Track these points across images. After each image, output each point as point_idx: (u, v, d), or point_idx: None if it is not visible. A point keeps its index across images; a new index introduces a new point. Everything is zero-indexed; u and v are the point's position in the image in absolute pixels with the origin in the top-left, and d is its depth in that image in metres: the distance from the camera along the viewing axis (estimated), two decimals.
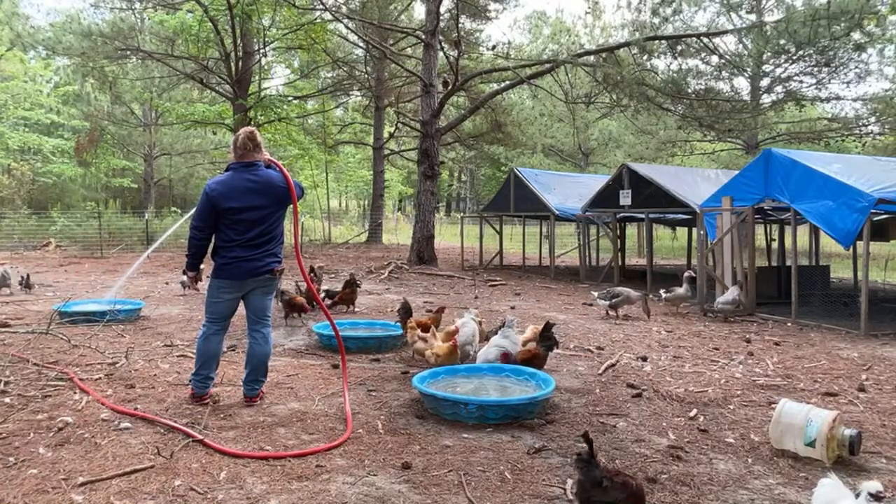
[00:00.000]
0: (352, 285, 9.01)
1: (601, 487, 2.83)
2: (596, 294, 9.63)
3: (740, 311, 9.11)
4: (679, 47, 14.68)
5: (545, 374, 4.95)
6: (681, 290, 9.27)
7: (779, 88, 19.59)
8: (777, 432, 3.85)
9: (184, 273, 5.03)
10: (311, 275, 9.30)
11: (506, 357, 5.19)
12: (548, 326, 5.58)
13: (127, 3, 19.47)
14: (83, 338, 6.60)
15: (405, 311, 6.63)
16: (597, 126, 29.81)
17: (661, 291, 9.65)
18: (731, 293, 8.95)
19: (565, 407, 4.72)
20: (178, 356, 6.10)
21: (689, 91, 15.57)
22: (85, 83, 23.32)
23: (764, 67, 19.02)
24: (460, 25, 21.79)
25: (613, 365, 6.01)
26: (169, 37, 17.84)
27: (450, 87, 16.77)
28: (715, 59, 15.70)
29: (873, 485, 2.60)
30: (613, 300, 8.94)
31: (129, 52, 18.32)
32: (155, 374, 5.39)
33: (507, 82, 18.96)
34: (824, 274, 11.86)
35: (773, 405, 4.27)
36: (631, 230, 21.18)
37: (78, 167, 27.83)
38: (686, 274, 9.39)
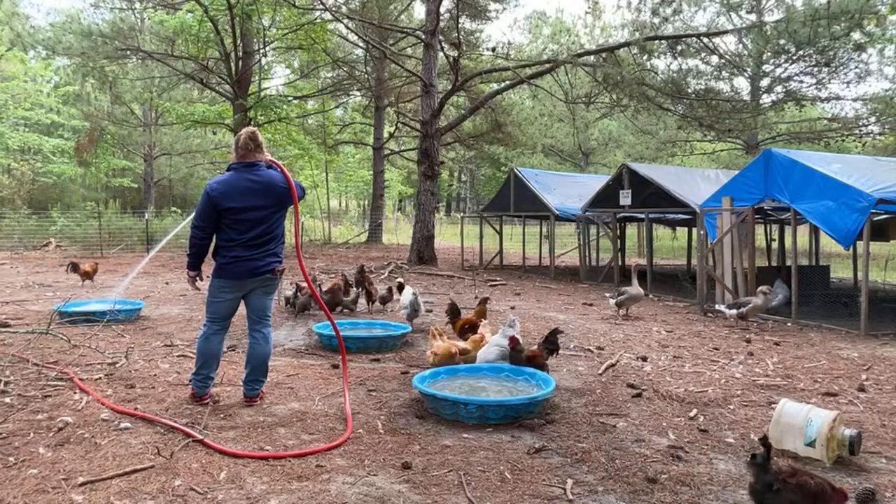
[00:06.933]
0: (344, 286, 9.00)
1: (773, 491, 2.80)
2: (608, 294, 9.57)
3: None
4: (679, 47, 14.67)
5: (545, 374, 4.95)
6: (759, 302, 8.08)
7: (779, 88, 19.61)
8: (777, 432, 3.85)
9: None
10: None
11: (514, 341, 5.14)
12: (554, 332, 5.62)
13: (127, 3, 19.48)
14: (83, 338, 6.61)
15: (453, 312, 6.65)
16: (597, 126, 29.81)
17: (720, 306, 8.60)
18: (783, 290, 8.91)
19: (565, 407, 4.72)
20: (178, 356, 6.10)
21: (689, 91, 15.58)
22: (85, 83, 23.28)
23: (764, 67, 19.01)
24: (460, 25, 21.82)
25: (613, 365, 6.01)
26: (169, 37, 17.85)
27: (453, 84, 16.76)
28: (715, 59, 15.70)
29: None
30: (618, 298, 8.97)
31: (129, 52, 18.34)
32: (155, 374, 5.39)
33: (507, 82, 18.95)
34: (824, 274, 11.86)
35: (773, 405, 4.27)
36: (631, 230, 21.18)
37: (78, 167, 27.80)
38: (761, 288, 8.26)
